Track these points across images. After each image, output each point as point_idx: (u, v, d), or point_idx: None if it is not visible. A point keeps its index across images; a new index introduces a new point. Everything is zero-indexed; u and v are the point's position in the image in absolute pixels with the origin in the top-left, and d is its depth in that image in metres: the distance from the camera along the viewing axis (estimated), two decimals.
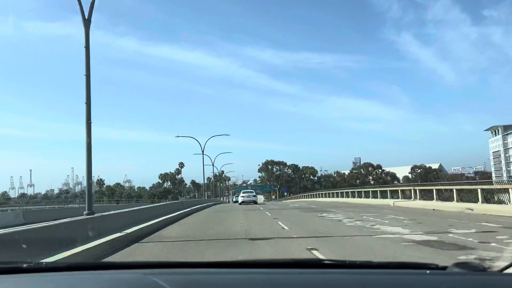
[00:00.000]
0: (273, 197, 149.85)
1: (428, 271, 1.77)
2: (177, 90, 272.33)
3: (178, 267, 2.02)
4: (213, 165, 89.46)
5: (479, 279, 1.64)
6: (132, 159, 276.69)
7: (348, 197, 50.24)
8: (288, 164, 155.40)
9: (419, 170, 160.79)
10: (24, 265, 2.05)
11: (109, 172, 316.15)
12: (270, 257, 7.28)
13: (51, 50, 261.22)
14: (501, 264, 2.17)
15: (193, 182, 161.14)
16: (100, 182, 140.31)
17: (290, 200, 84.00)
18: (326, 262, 1.98)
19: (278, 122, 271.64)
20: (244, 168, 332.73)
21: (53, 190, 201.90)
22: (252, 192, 50.67)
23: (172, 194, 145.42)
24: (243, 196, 47.67)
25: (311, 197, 74.62)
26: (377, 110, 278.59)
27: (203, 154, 61.76)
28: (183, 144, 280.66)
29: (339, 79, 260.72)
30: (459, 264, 1.77)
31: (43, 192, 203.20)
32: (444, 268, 1.80)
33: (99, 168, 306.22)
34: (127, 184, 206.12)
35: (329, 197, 59.45)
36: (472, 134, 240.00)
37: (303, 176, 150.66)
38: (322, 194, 67.54)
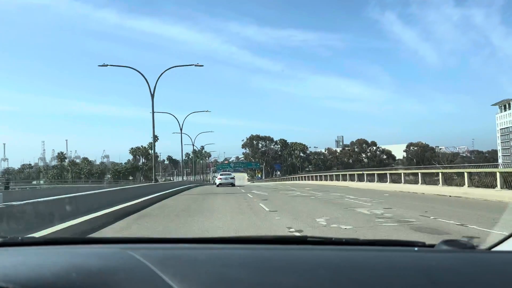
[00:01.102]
0: (259, 175, 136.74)
1: (416, 248, 1.74)
2: (157, 65, 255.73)
3: (157, 242, 1.95)
4: (191, 140, 75.15)
5: (467, 257, 1.62)
6: (111, 134, 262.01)
7: (374, 181, 36.99)
8: (275, 139, 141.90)
9: (415, 148, 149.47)
10: None
11: (88, 147, 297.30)
12: None
13: (27, 20, 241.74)
14: (489, 242, 1.87)
15: (169, 158, 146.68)
16: (61, 156, 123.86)
17: (289, 183, 70.36)
18: (312, 239, 1.91)
19: (261, 100, 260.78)
20: (226, 145, 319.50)
21: (30, 164, 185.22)
22: (229, 174, 50.65)
23: (141, 171, 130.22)
24: (220, 178, 47.57)
25: (313, 179, 61.20)
26: (359, 90, 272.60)
27: (152, 108, 42.66)
28: (163, 121, 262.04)
29: (322, 58, 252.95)
30: (447, 242, 1.73)
31: (17, 167, 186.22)
32: (432, 246, 1.79)
33: (76, 142, 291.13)
34: (105, 160, 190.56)
35: (341, 180, 46.36)
36: (452, 115, 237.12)
37: (292, 152, 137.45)
38: (331, 176, 54.18)
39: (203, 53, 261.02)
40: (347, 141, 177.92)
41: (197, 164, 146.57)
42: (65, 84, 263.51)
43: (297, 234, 7.41)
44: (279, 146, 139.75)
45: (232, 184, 45.83)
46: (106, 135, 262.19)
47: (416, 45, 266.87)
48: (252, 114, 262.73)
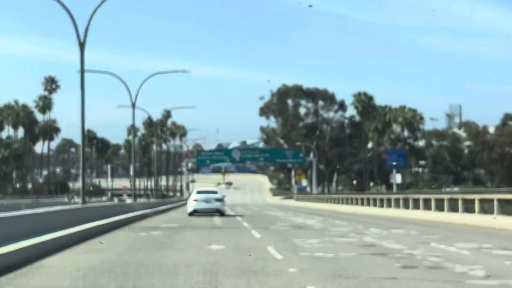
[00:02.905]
0: (302, 182, 57.07)
1: None
2: None
3: None
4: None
5: None
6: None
7: None
8: (338, 99, 61.81)
9: None
10: None
11: None
12: None
13: None
14: None
15: (90, 135, 67.31)
16: None
17: None
18: None
19: (293, 30, 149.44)
20: (222, 119, 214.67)
21: None
22: (214, 193, 29.69)
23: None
24: (196, 200, 28.05)
25: None
26: (490, 15, 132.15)
27: None
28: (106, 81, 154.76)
29: None
30: None
31: None
32: None
33: None
34: None
35: None
36: None
37: (382, 127, 56.65)
38: None
39: None
40: (467, 114, 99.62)
41: (156, 153, 66.80)
42: None
43: None
44: (355, 110, 59.04)
45: (220, 211, 27.36)
46: None
47: None
48: (272, 59, 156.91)
